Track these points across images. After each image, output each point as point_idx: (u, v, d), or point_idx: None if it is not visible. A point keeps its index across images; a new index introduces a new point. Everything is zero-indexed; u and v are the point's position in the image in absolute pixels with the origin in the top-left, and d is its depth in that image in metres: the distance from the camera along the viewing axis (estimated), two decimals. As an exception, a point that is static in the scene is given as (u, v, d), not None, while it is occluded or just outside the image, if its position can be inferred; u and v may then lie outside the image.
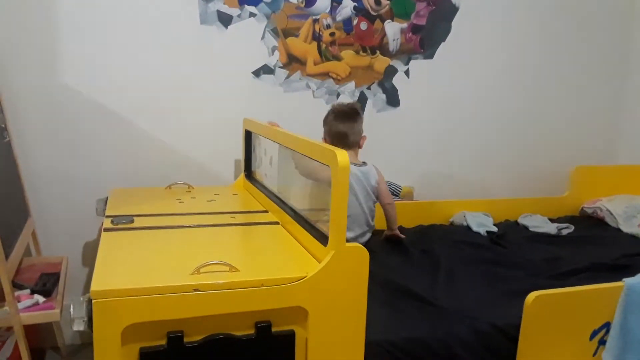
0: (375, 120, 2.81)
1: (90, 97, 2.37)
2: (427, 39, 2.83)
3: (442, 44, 2.86)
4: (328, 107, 2.65)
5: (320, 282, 1.39)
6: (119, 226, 1.72)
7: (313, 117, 2.68)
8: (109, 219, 1.80)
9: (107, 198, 2.14)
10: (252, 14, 2.54)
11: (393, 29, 2.77)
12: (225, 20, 2.50)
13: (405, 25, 2.78)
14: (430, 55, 2.86)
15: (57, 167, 2.38)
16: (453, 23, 2.86)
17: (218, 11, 2.48)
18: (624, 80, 3.26)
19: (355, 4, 2.68)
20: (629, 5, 3.18)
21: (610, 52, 3.22)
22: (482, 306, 1.74)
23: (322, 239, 1.49)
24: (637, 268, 2.07)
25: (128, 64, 2.40)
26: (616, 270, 2.08)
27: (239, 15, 2.52)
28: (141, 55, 2.41)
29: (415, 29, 2.80)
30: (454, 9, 2.84)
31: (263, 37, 2.57)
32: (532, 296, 1.62)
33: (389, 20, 2.75)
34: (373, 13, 2.72)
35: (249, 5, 2.52)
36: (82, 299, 1.27)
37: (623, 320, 1.72)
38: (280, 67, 2.63)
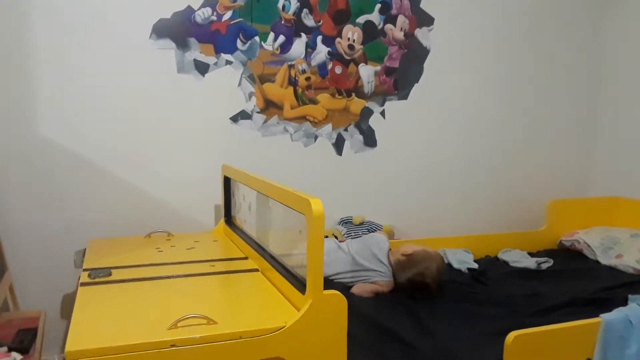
0: (353, 161, 2.85)
1: (66, 147, 2.37)
2: (400, 81, 2.90)
3: (416, 84, 2.93)
4: (306, 150, 2.69)
5: (299, 332, 1.38)
6: (96, 280, 1.71)
7: (291, 161, 2.73)
8: (86, 272, 1.78)
9: (85, 249, 2.13)
10: (228, 62, 2.58)
11: (367, 72, 2.83)
12: (202, 68, 2.54)
13: (379, 68, 2.85)
14: (404, 96, 2.92)
15: (34, 219, 2.36)
16: (425, 64, 2.93)
17: (195, 60, 2.53)
18: (594, 115, 3.35)
19: (329, 49, 2.74)
20: (593, 44, 3.29)
21: (581, 88, 3.32)
22: (464, 348, 1.74)
23: (300, 286, 1.49)
24: (617, 301, 2.10)
25: (105, 113, 2.42)
26: (596, 304, 2.09)
27: (215, 64, 2.56)
28: (119, 104, 2.43)
29: (388, 71, 2.87)
30: (426, 51, 2.92)
31: (240, 84, 2.62)
32: (511, 336, 1.63)
33: (362, 64, 2.82)
34: (347, 57, 2.79)
35: (225, 53, 2.57)
36: (56, 359, 1.25)
37: (602, 356, 1.73)
38: (258, 112, 2.66)
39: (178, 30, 2.48)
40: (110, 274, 1.77)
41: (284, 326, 1.37)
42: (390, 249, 2.31)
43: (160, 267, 1.88)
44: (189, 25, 2.50)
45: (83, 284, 1.68)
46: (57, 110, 2.35)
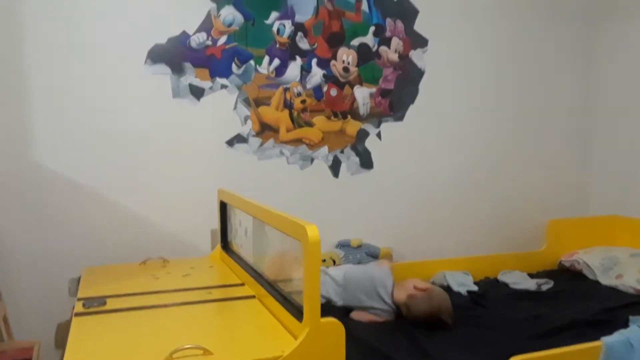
0: (350, 183, 2.84)
1: (60, 173, 2.36)
2: (396, 102, 2.91)
3: (411, 106, 2.94)
4: (303, 173, 2.69)
5: (297, 361, 1.36)
6: (91, 310, 1.68)
7: (288, 184, 2.72)
8: (81, 302, 1.75)
9: (79, 277, 2.10)
10: (223, 86, 2.59)
11: (362, 94, 2.84)
12: (197, 93, 2.54)
13: (374, 89, 2.86)
14: (400, 117, 2.93)
15: (28, 247, 2.34)
16: (420, 86, 2.94)
17: (190, 84, 2.53)
18: (590, 133, 3.36)
19: (324, 71, 2.75)
20: (588, 63, 3.31)
21: (577, 107, 3.33)
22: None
23: (297, 313, 1.47)
24: (618, 323, 2.08)
25: (100, 138, 2.41)
26: (597, 326, 2.07)
27: (210, 88, 2.57)
28: (113, 129, 2.43)
29: (384, 93, 2.88)
30: (420, 73, 2.94)
31: (235, 107, 2.62)
32: (512, 361, 1.60)
33: (358, 86, 2.83)
34: (342, 80, 2.79)
35: (220, 77, 2.58)
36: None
37: (605, 380, 1.71)
38: (254, 136, 2.66)
39: (173, 55, 2.49)
40: (104, 303, 1.74)
41: (281, 355, 1.34)
42: (394, 284, 2.24)
43: (155, 295, 1.85)
44: (184, 50, 2.51)
45: (77, 314, 1.65)
46: (51, 135, 2.34)
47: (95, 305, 1.72)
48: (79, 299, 1.80)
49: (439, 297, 2.15)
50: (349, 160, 2.85)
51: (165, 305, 1.74)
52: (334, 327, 1.40)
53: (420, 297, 2.13)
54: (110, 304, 1.75)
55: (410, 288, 2.17)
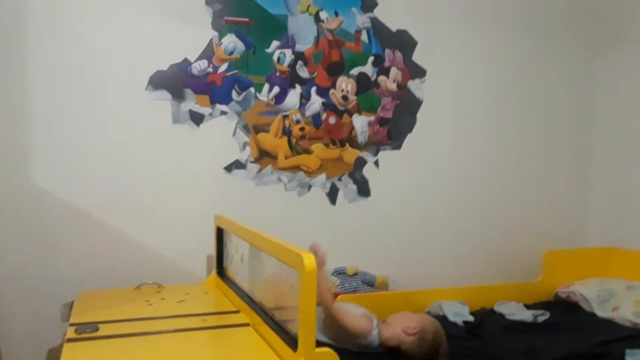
0: (347, 210, 2.85)
1: (57, 196, 2.36)
2: (394, 131, 2.93)
3: (409, 134, 2.96)
4: (300, 200, 2.69)
5: (290, 392, 1.34)
6: (83, 336, 1.67)
7: (285, 210, 2.72)
8: (73, 328, 1.74)
9: (72, 302, 2.08)
10: (223, 112, 2.61)
11: (361, 122, 2.86)
12: (197, 119, 2.56)
13: (372, 118, 2.88)
14: (398, 146, 2.95)
15: (22, 271, 2.32)
16: (418, 115, 2.97)
17: (190, 110, 2.55)
18: (588, 163, 3.37)
19: (323, 99, 2.78)
20: (586, 90, 3.35)
21: (575, 136, 3.35)
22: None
23: (292, 342, 1.46)
24: (614, 356, 2.07)
25: (98, 162, 2.42)
26: (593, 359, 2.05)
27: (210, 114, 2.59)
28: (113, 154, 2.44)
29: (382, 121, 2.90)
30: (418, 102, 2.97)
31: (234, 134, 2.63)
32: (508, 395, 1.59)
33: (356, 114, 2.85)
34: (341, 108, 2.82)
35: (220, 104, 2.60)
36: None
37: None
38: (252, 162, 2.67)
39: (174, 82, 2.52)
40: (97, 329, 1.72)
41: (275, 386, 1.33)
42: (378, 323, 2.08)
43: (149, 322, 1.84)
44: (185, 77, 2.53)
45: (69, 340, 1.64)
46: (50, 158, 2.35)
47: (87, 331, 1.70)
48: (71, 324, 1.78)
49: (433, 337, 2.02)
50: (347, 187, 2.86)
51: (158, 332, 1.73)
52: (329, 357, 1.39)
53: (413, 343, 2.00)
54: (103, 330, 1.74)
55: (399, 333, 2.03)
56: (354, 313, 2.08)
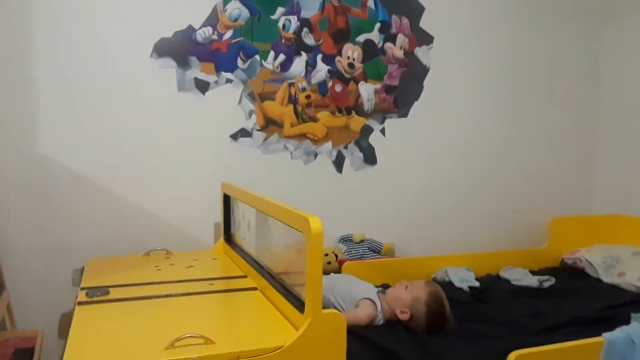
0: (353, 178, 2.85)
1: (64, 165, 2.37)
2: (400, 99, 2.91)
3: (416, 102, 2.94)
4: (306, 168, 2.70)
5: (298, 351, 1.37)
6: (94, 299, 1.70)
7: (291, 178, 2.73)
8: (84, 291, 1.77)
9: (83, 268, 2.12)
10: (228, 80, 2.60)
11: (367, 90, 2.84)
12: (202, 86, 2.55)
13: (378, 86, 2.86)
14: (404, 114, 2.93)
15: (32, 238, 2.35)
16: (425, 82, 2.94)
17: (195, 78, 2.54)
18: (595, 130, 3.36)
19: (329, 67, 2.76)
20: (593, 65, 3.31)
21: (582, 106, 3.33)
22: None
23: (299, 305, 1.48)
24: (619, 320, 2.07)
25: (104, 131, 2.42)
26: (598, 323, 2.07)
27: (215, 82, 2.58)
28: (119, 122, 2.44)
29: (388, 89, 2.88)
30: (425, 70, 2.94)
31: (240, 102, 2.63)
32: (513, 355, 1.61)
33: (362, 82, 2.83)
34: (347, 75, 2.80)
35: (225, 71, 2.59)
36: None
37: (606, 376, 1.71)
38: (258, 130, 2.67)
39: (179, 49, 2.50)
40: (108, 293, 1.76)
41: (283, 346, 1.36)
42: (380, 304, 2.04)
43: (158, 286, 1.87)
44: (190, 44, 2.51)
45: (80, 303, 1.67)
46: (57, 128, 2.35)
47: (98, 294, 1.73)
48: (82, 289, 1.82)
49: (427, 309, 1.99)
50: (353, 155, 2.86)
51: (167, 296, 1.76)
52: (335, 318, 1.41)
53: (410, 322, 2.00)
54: (113, 293, 1.77)
55: (397, 314, 2.02)
56: (359, 302, 2.04)
